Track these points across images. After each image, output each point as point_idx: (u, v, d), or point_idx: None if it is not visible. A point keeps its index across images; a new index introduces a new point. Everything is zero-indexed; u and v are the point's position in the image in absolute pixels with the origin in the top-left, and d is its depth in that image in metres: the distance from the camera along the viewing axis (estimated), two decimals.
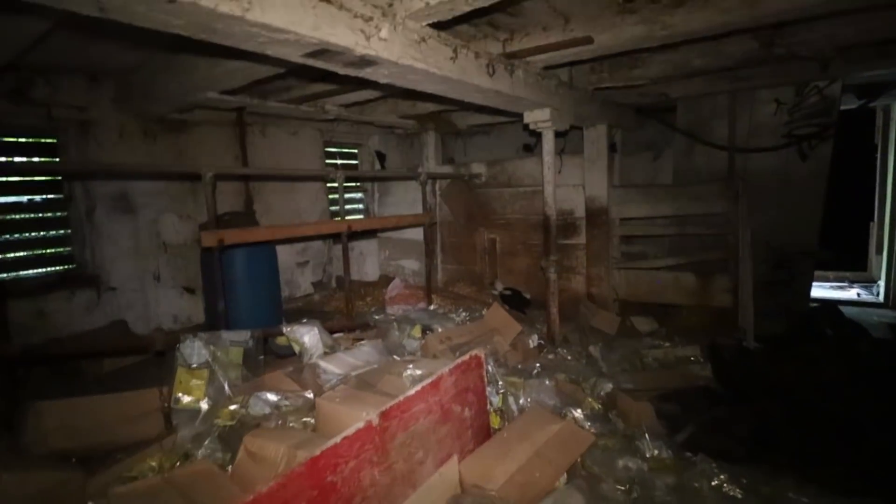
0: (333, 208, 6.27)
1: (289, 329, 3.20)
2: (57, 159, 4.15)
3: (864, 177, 6.19)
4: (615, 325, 4.51)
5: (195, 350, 2.72)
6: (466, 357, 2.60)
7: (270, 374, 2.97)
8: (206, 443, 2.53)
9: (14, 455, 2.34)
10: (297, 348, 3.18)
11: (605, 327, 4.48)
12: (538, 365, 3.52)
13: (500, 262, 5.94)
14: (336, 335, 3.80)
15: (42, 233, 4.11)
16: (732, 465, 2.47)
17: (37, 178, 4.07)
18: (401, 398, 2.14)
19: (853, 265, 6.36)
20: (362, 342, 3.56)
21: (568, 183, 5.20)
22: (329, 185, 6.14)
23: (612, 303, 5.03)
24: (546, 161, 3.98)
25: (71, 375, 3.48)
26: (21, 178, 3.97)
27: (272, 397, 2.74)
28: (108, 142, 4.26)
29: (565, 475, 2.41)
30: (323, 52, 1.95)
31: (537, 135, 4.06)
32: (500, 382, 2.93)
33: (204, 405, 2.68)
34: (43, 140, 4.09)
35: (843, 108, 4.25)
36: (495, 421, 2.79)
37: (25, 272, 3.99)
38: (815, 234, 4.39)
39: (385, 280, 6.39)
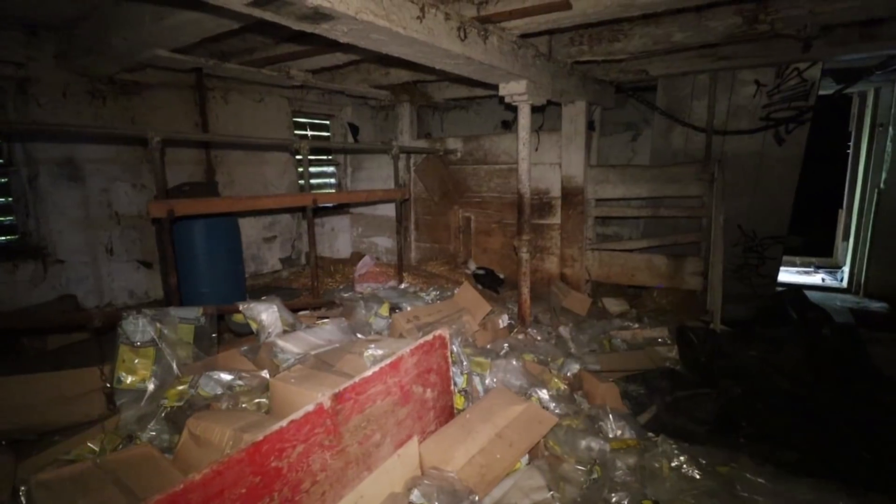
0: (302, 182, 6.03)
1: (245, 306, 3.04)
2: None
3: (834, 164, 6.27)
4: (586, 306, 4.48)
5: (139, 327, 2.53)
6: (430, 337, 2.50)
7: (224, 353, 2.82)
8: (152, 424, 2.39)
9: None
10: (254, 326, 3.03)
11: (577, 308, 4.45)
12: (506, 345, 3.46)
13: (475, 240, 5.83)
14: (299, 313, 3.66)
15: None
16: (693, 446, 2.46)
17: None
18: (356, 379, 2.03)
19: (820, 251, 6.49)
20: (325, 321, 3.43)
21: (544, 161, 5.08)
22: (299, 157, 5.88)
23: (585, 284, 5.00)
24: (521, 137, 3.84)
25: (9, 352, 3.26)
26: None
27: (224, 377, 2.59)
28: (50, 102, 3.92)
29: (527, 456, 2.36)
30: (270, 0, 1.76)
31: (515, 111, 3.91)
32: (466, 363, 2.85)
33: (150, 385, 2.52)
34: None
35: (820, 93, 4.22)
36: (459, 402, 2.72)
37: None
38: (786, 220, 4.40)
39: (357, 257, 6.22)
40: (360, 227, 6.88)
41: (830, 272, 6.13)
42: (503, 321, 3.93)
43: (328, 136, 6.59)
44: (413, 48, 2.55)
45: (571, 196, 4.93)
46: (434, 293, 4.51)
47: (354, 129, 6.60)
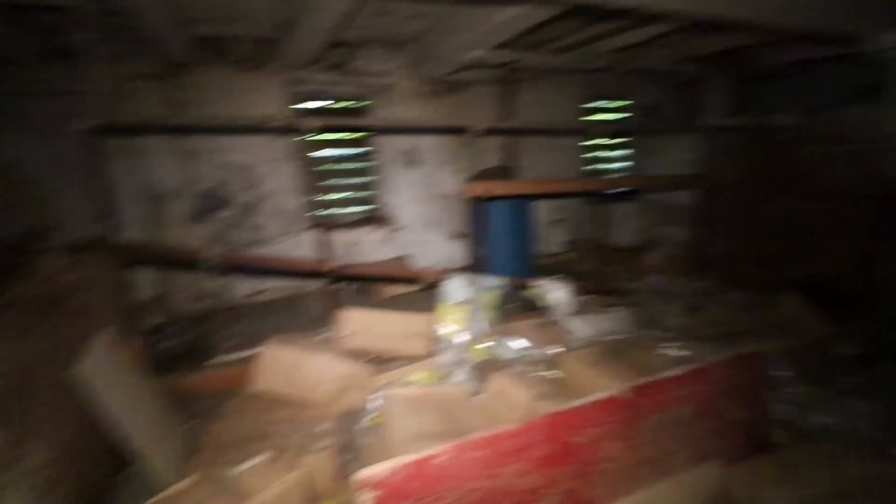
0: (596, 167, 5.99)
1: (543, 283, 3.24)
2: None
3: None
4: None
5: (458, 287, 3.02)
6: (745, 351, 2.12)
7: (521, 323, 3.08)
8: (463, 370, 2.83)
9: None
10: (546, 303, 3.20)
11: None
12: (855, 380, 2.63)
13: (805, 240, 4.61)
14: (587, 297, 3.68)
15: (354, 180, 5.20)
16: None
17: (346, 137, 5.07)
18: (658, 377, 1.90)
19: None
20: (614, 309, 3.34)
21: None
22: (588, 142, 5.85)
23: None
24: None
25: (366, 293, 4.41)
26: (339, 136, 5.02)
27: (521, 343, 2.85)
28: (402, 103, 5.01)
29: None
30: None
31: (880, 72, 2.82)
32: (795, 392, 2.30)
33: (463, 337, 2.98)
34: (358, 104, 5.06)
35: None
36: (781, 436, 2.22)
37: (343, 210, 5.16)
38: None
39: (646, 247, 5.83)
40: (651, 215, 6.39)
41: None
42: (848, 349, 3.00)
43: (624, 119, 6.29)
44: None
45: None
46: (741, 298, 3.81)
47: (655, 110, 6.10)
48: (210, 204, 4.52)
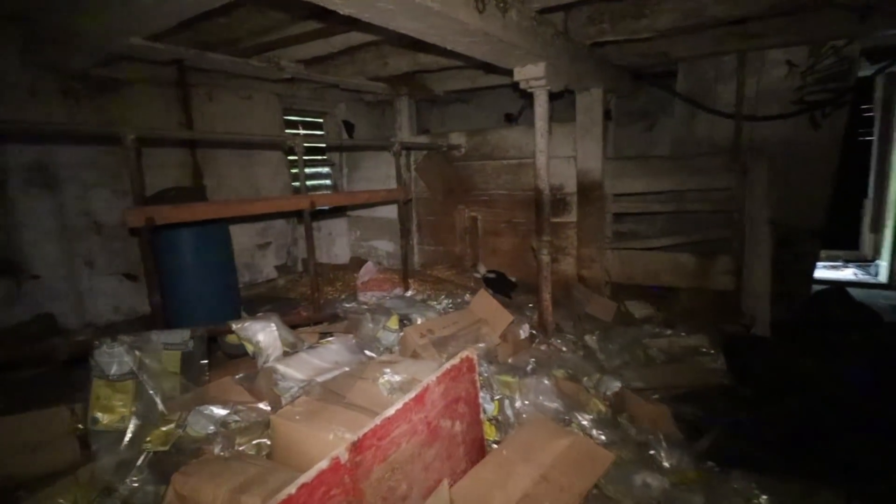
0: (296, 184, 5.65)
1: (239, 326, 2.67)
2: None
3: (853, 150, 5.97)
4: (611, 312, 4.14)
5: (116, 357, 2.16)
6: (456, 360, 2.14)
7: (216, 382, 2.45)
8: (132, 474, 2.02)
9: None
10: (250, 349, 2.66)
11: (601, 314, 4.11)
12: (532, 359, 3.11)
13: (483, 242, 5.48)
14: (299, 329, 3.29)
15: None
16: (762, 476, 2.13)
17: None
18: (377, 421, 1.67)
19: (844, 244, 6.19)
20: (330, 338, 3.07)
21: (558, 154, 4.73)
22: (291, 157, 5.50)
23: (605, 286, 4.66)
24: (539, 127, 3.49)
25: None
26: None
27: (218, 412, 2.23)
28: (15, 101, 3.53)
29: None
30: None
31: (526, 99, 3.56)
32: (496, 386, 2.50)
33: (130, 425, 2.15)
34: None
35: None
36: (490, 432, 2.37)
37: None
38: (824, 211, 4.09)
39: (356, 263, 5.86)
40: (358, 231, 6.50)
41: (861, 266, 5.84)
42: (524, 331, 3.58)
43: (322, 135, 6.21)
44: (426, 22, 2.19)
45: (589, 191, 4.58)
46: (445, 301, 4.16)
47: (350, 127, 6.23)
48: None
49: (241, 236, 5.06)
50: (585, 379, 2.90)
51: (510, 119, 6.08)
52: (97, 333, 3.30)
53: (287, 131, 5.59)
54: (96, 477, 2.03)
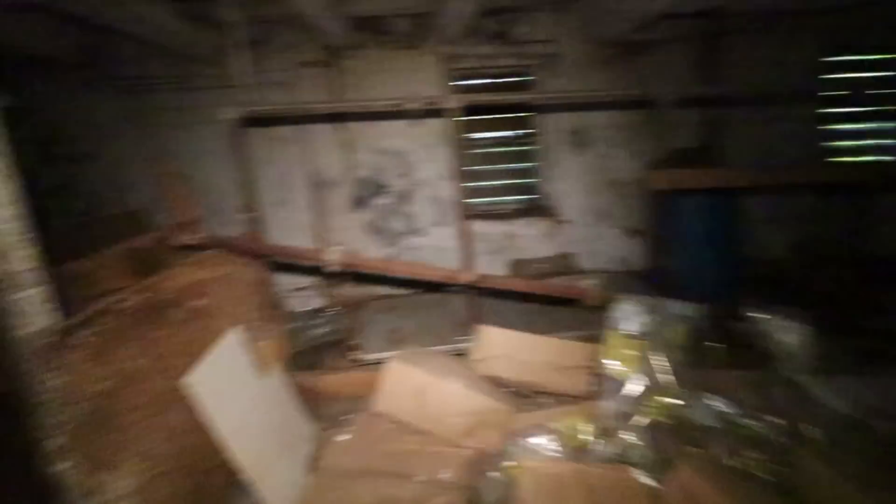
0: (838, 145, 4.31)
1: (760, 316, 2.23)
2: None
3: None
4: None
5: (632, 315, 2.24)
6: None
7: (725, 373, 2.16)
8: (630, 430, 2.09)
9: None
10: (771, 346, 2.19)
11: None
12: None
13: None
14: (832, 340, 2.49)
15: (513, 165, 4.57)
16: None
17: (506, 117, 4.42)
18: None
19: None
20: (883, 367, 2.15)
21: None
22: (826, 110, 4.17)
23: None
24: None
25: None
26: (498, 117, 4.40)
27: (725, 408, 1.97)
28: (570, 75, 4.21)
29: None
30: None
31: None
32: None
33: (634, 384, 2.21)
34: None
35: None
36: None
37: (501, 199, 4.60)
38: None
39: None
40: None
41: None
42: None
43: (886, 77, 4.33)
44: None
45: None
46: None
47: None
48: (367, 191, 4.46)
49: (748, 205, 4.38)
50: None
51: None
52: (603, 279, 3.68)
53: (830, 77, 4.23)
54: (597, 414, 2.23)
